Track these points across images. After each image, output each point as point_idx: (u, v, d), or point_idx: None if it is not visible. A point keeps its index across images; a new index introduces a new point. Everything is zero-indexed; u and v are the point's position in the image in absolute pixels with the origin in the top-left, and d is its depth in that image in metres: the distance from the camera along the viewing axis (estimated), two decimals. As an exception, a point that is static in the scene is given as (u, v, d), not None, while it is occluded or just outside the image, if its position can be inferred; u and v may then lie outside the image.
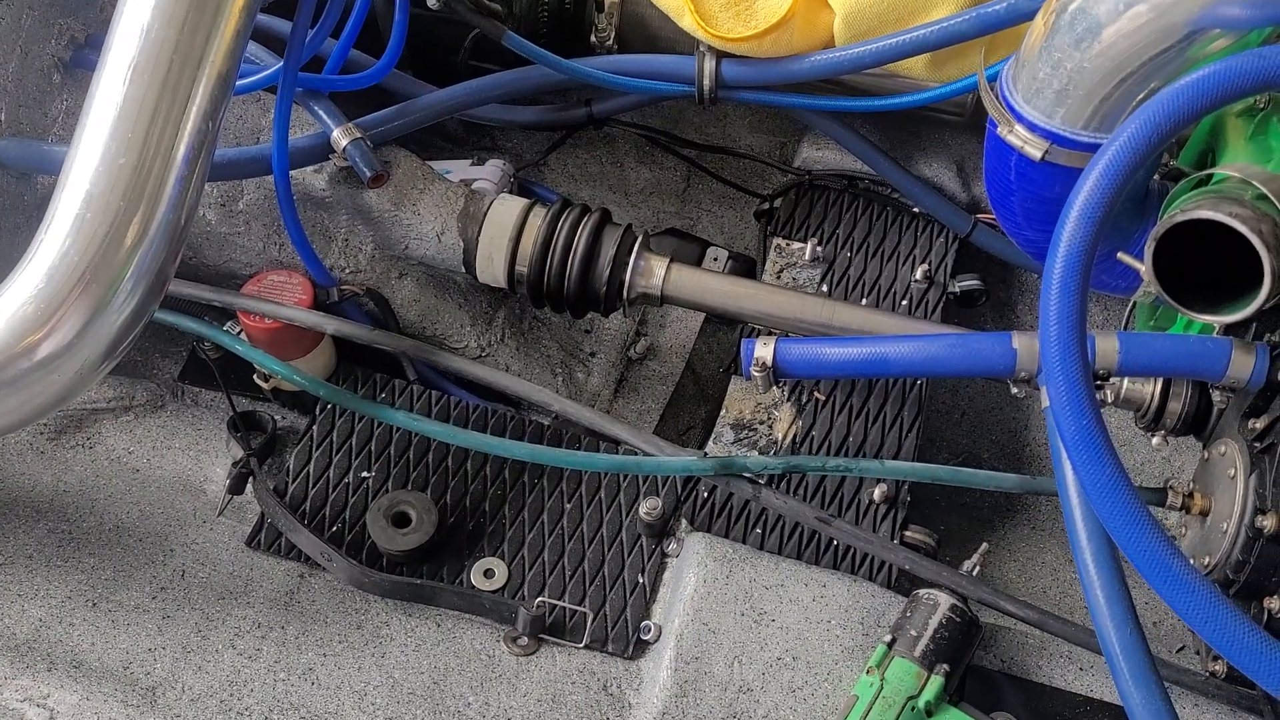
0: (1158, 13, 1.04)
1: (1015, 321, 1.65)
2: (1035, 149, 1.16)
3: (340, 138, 1.32)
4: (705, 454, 1.30)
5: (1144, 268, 1.12)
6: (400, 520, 1.26)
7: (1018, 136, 1.17)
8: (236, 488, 1.30)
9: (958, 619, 1.14)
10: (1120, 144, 0.97)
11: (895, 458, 1.38)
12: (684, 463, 1.20)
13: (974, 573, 1.21)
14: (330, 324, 1.31)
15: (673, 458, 1.22)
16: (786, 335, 1.35)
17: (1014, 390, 1.21)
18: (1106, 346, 1.15)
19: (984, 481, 1.21)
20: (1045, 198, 1.22)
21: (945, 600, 1.15)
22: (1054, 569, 1.46)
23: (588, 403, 1.52)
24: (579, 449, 1.36)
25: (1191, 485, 1.24)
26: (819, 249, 1.54)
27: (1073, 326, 0.99)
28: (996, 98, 1.20)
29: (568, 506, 1.32)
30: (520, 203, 1.40)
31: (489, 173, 1.62)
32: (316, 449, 1.34)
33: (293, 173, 1.34)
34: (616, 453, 1.34)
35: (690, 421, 1.56)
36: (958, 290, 1.54)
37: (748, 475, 1.22)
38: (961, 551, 1.46)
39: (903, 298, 1.52)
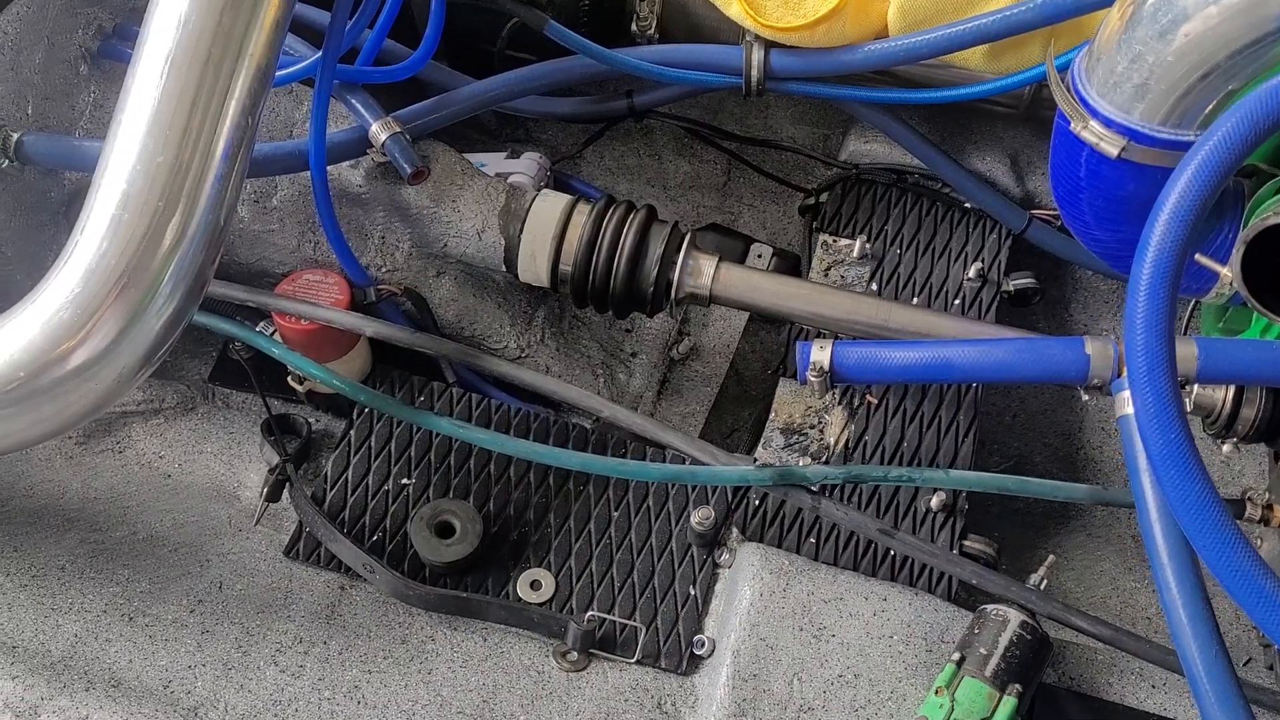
0: (1250, 3, 0.99)
1: (1068, 320, 1.60)
2: (1111, 146, 1.11)
3: (379, 132, 1.27)
4: (759, 461, 1.26)
5: (1228, 270, 1.08)
6: (444, 530, 1.22)
7: (1092, 133, 1.12)
8: (274, 495, 1.26)
9: (1028, 636, 1.09)
10: (1216, 141, 0.92)
11: (952, 463, 1.33)
12: (740, 473, 1.16)
13: (1041, 586, 1.16)
14: (369, 326, 1.26)
15: (728, 467, 1.17)
16: (839, 337, 1.30)
17: (1084, 397, 1.17)
18: (1185, 353, 1.10)
19: (1052, 492, 1.16)
20: (1118, 196, 1.17)
21: (1015, 616, 1.10)
22: (1113, 578, 1.41)
23: (630, 405, 1.47)
24: (625, 455, 1.31)
25: (1267, 495, 1.19)
26: (868, 246, 1.49)
27: (1161, 335, 0.95)
28: (1069, 91, 1.15)
29: (615, 514, 1.27)
30: (563, 199, 1.35)
31: (525, 166, 1.57)
32: (354, 455, 1.29)
33: (329, 169, 1.29)
34: (665, 460, 1.30)
35: (735, 424, 1.51)
36: (1012, 289, 1.49)
37: (807, 486, 1.17)
38: (1016, 560, 1.42)
39: (955, 297, 1.47)
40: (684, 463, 1.26)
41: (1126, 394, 1.10)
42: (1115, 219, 1.20)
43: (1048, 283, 1.54)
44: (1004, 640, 1.08)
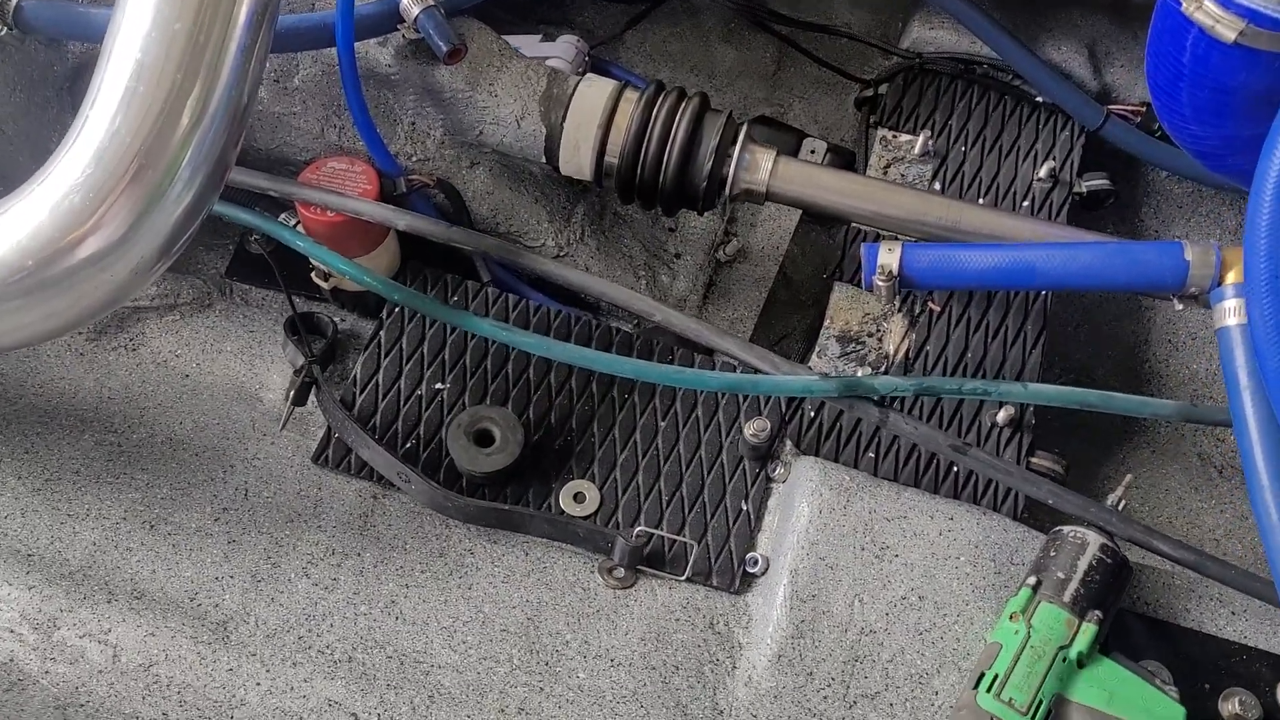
0: None
1: (1139, 226, 1.51)
2: (1228, 29, 1.00)
3: (411, 5, 1.16)
4: (821, 372, 1.18)
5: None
6: (483, 439, 1.14)
7: (1207, 14, 1.01)
8: (300, 398, 1.18)
9: (1108, 560, 1.03)
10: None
11: (1019, 375, 1.26)
12: (804, 383, 1.08)
13: (1120, 507, 1.09)
14: (402, 219, 1.17)
15: (791, 377, 1.09)
16: (899, 239, 1.21)
17: (1178, 306, 1.08)
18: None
19: (1138, 409, 1.09)
20: (1226, 87, 1.06)
21: (1094, 539, 1.03)
22: (1179, 497, 1.35)
23: (674, 306, 1.38)
24: (671, 361, 1.23)
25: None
26: (930, 142, 1.39)
27: (1288, 239, 0.86)
28: (1180, -32, 1.03)
29: (662, 424, 1.20)
30: (610, 84, 1.24)
31: (562, 50, 1.46)
32: (385, 357, 1.21)
33: (355, 46, 1.19)
34: (714, 367, 1.22)
35: (784, 330, 1.43)
36: (1084, 190, 1.39)
37: (874, 398, 1.09)
38: (1081, 478, 1.35)
39: (1024, 198, 1.38)
40: (736, 371, 1.18)
41: (1228, 303, 1.02)
42: (1219, 113, 1.10)
43: (1119, 184, 1.44)
44: (1083, 564, 1.02)
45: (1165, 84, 1.12)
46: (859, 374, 1.23)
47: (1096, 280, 1.08)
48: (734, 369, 1.20)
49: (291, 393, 1.18)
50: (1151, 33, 1.12)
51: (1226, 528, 1.32)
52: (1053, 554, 1.04)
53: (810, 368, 1.23)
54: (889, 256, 1.13)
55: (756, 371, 1.12)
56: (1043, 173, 1.38)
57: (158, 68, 0.89)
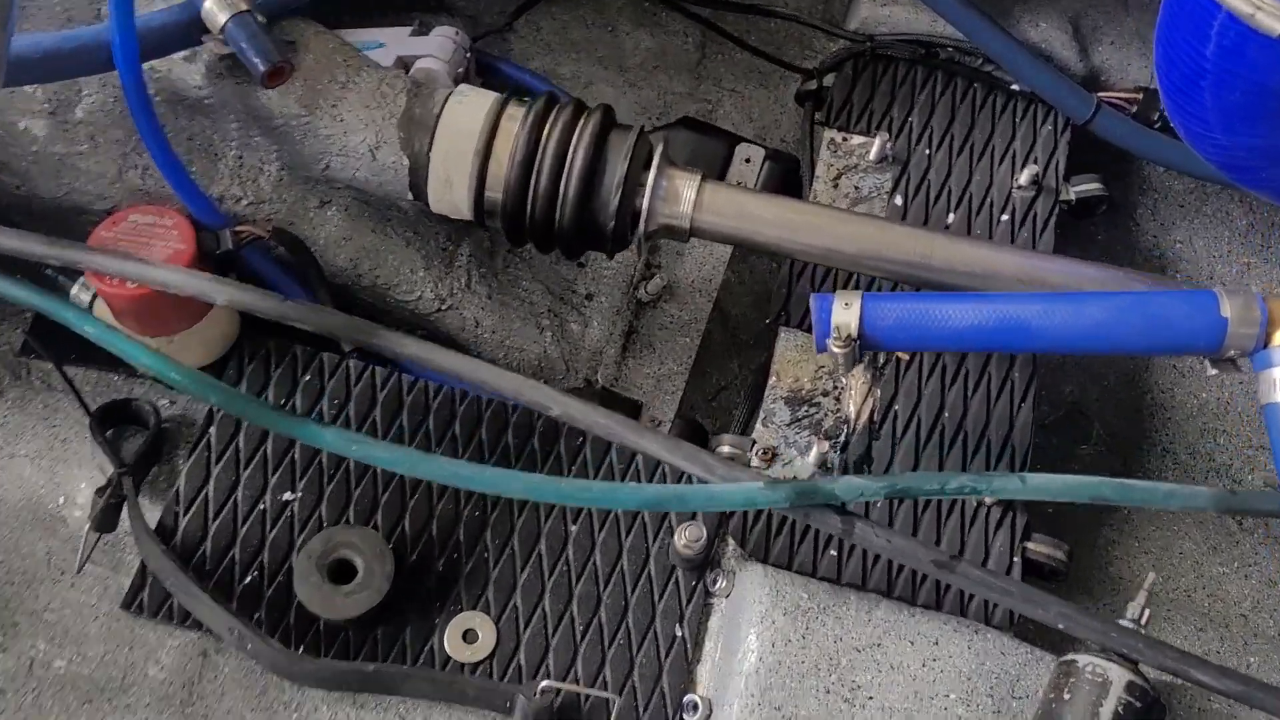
0: None
1: (1134, 231, 1.29)
2: (1273, 19, 0.77)
3: (216, 11, 0.90)
4: (758, 446, 0.96)
5: None
6: (341, 572, 0.90)
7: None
8: (105, 523, 0.93)
9: (1138, 703, 0.81)
10: None
11: (1008, 435, 1.04)
12: (746, 493, 0.84)
13: (1143, 619, 0.87)
14: (221, 291, 0.90)
15: (729, 485, 0.85)
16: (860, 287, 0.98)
17: (1210, 371, 0.86)
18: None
19: (1164, 501, 0.86)
20: (1264, 87, 0.84)
21: (1118, 675, 0.82)
22: (1196, 561, 1.14)
23: (588, 361, 1.14)
24: (583, 447, 0.99)
25: None
26: (888, 145, 1.15)
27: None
28: (1209, -64, 0.80)
29: (573, 530, 0.96)
30: (488, 99, 0.98)
31: (436, 46, 1.19)
32: (217, 462, 0.96)
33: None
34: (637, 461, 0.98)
35: (722, 380, 1.19)
36: (1073, 198, 1.17)
37: (836, 505, 0.86)
38: (1082, 549, 1.14)
39: (1002, 210, 1.15)
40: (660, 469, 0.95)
41: (1278, 372, 0.80)
42: (1250, 116, 0.87)
43: (1110, 183, 1.21)
44: (1106, 711, 0.80)
45: (1184, 81, 0.89)
46: (814, 444, 1.00)
47: (1108, 343, 0.85)
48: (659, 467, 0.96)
49: (93, 516, 0.92)
50: (1162, 18, 0.88)
51: (1255, 598, 1.11)
52: (1066, 695, 0.82)
53: (753, 440, 0.99)
54: (846, 314, 0.89)
55: (685, 478, 0.88)
56: (1024, 179, 1.15)
57: None
